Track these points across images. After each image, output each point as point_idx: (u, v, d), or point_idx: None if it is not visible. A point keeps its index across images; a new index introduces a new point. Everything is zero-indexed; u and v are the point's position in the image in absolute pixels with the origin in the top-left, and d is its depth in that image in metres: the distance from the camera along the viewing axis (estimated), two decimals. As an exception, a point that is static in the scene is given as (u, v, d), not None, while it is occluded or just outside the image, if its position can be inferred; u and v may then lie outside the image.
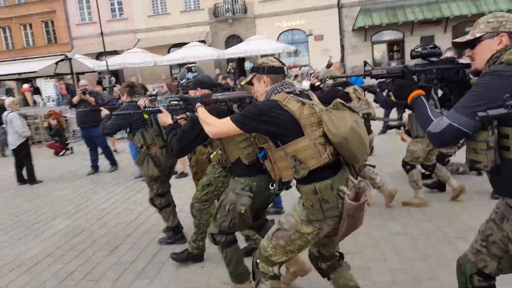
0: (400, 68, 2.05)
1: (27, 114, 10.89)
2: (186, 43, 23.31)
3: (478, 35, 1.87)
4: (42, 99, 24.31)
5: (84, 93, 7.23)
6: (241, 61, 23.69)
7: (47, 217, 5.65)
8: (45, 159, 10.43)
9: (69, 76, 18.51)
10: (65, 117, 12.76)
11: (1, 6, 26.92)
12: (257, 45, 20.67)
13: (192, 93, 3.25)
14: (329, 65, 16.03)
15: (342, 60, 23.35)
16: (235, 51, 21.28)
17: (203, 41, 24.41)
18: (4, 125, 7.65)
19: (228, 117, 2.27)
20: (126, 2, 25.94)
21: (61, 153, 10.85)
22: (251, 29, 24.78)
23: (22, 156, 7.55)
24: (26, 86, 23.54)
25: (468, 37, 1.91)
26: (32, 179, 7.64)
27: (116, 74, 25.42)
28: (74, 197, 6.63)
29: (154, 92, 4.22)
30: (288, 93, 2.24)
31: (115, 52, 24.54)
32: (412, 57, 2.13)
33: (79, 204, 6.14)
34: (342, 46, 24.66)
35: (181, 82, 4.05)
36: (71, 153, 11.14)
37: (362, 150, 2.17)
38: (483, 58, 1.85)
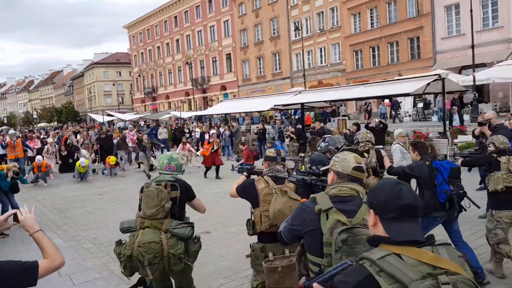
0: (299, 179, 2.91)
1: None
2: None
3: (327, 167, 2.51)
4: (399, 114, 24.96)
5: (480, 124, 6.21)
6: None
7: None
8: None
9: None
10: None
11: (374, 28, 29.67)
12: None
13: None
14: None
15: None
16: None
17: None
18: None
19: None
20: (503, 8, 22.68)
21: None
22: None
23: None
24: (387, 101, 24.87)
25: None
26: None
27: (480, 89, 22.77)
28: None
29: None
30: (271, 176, 3.28)
31: (482, 65, 22.00)
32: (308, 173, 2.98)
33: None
34: None
35: (318, 149, 4.78)
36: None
37: None
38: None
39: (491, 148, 4.58)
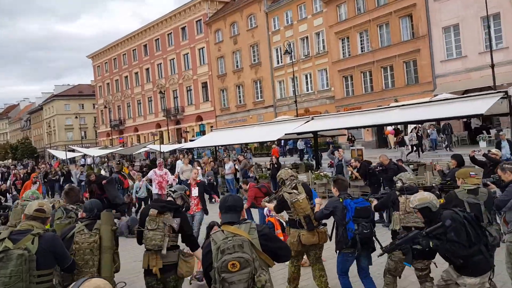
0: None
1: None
2: None
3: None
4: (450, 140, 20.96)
5: None
6: None
7: None
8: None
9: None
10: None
11: (365, 52, 28.21)
12: None
13: None
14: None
15: None
16: None
17: None
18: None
19: None
20: (507, 28, 21.68)
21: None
22: None
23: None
24: (390, 128, 22.92)
25: None
26: None
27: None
28: None
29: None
30: None
31: (488, 88, 20.66)
32: None
33: None
34: None
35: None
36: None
37: None
38: None
39: (399, 184, 4.74)
